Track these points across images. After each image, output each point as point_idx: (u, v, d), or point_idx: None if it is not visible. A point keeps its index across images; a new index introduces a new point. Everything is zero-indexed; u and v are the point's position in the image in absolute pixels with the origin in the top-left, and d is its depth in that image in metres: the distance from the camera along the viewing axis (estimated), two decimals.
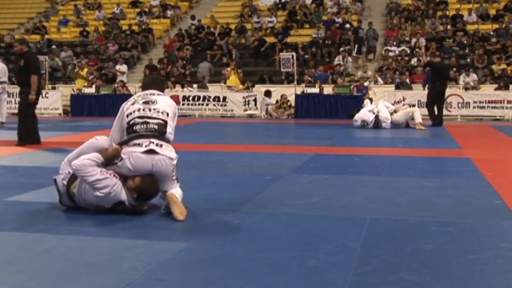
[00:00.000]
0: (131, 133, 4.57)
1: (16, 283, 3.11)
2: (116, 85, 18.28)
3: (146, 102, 4.71)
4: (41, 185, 5.88)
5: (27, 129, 9.50)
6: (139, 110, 4.65)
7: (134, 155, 4.48)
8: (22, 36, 21.84)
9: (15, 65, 10.70)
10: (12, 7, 27.88)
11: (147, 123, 4.59)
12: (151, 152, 4.49)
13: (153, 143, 4.51)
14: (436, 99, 13.38)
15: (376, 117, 12.60)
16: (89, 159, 4.43)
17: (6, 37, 24.70)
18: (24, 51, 9.62)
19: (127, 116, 4.64)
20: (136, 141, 4.52)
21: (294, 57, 17.15)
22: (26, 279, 3.18)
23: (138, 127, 4.57)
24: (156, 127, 4.60)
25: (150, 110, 4.65)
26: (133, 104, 4.72)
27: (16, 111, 15.87)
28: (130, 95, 16.82)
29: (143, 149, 4.48)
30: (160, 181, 4.57)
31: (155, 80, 5.29)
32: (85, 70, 20.15)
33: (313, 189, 5.70)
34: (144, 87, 5.06)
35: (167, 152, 4.56)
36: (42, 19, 25.97)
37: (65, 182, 4.66)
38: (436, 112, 13.44)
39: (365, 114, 12.80)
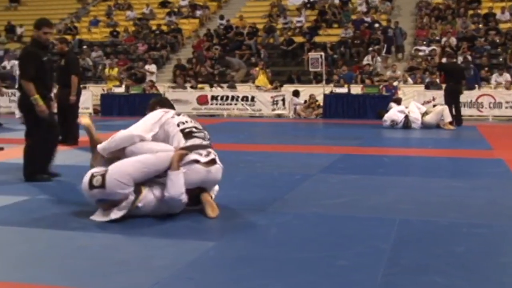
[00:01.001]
0: (190, 139, 4.61)
1: (48, 280, 3.16)
2: (145, 85, 18.44)
3: (190, 117, 4.92)
4: (73, 183, 5.97)
5: (71, 130, 9.51)
6: (191, 121, 4.78)
7: (191, 168, 4.49)
8: (55, 37, 22.15)
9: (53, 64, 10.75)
10: (45, 8, 28.29)
11: (204, 132, 4.76)
12: (211, 162, 4.59)
13: (210, 152, 4.65)
14: (452, 99, 13.16)
15: (406, 117, 12.49)
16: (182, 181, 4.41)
17: None
18: (65, 50, 9.69)
19: (178, 124, 4.66)
20: (199, 150, 4.58)
21: (323, 57, 17.08)
22: (59, 276, 3.23)
23: (198, 134, 4.68)
24: (209, 137, 4.80)
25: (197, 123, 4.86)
26: (178, 115, 4.77)
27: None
28: (159, 95, 17.13)
29: (204, 159, 4.56)
30: (205, 187, 4.67)
31: (169, 101, 5.38)
32: (116, 69, 20.35)
33: (342, 189, 5.68)
34: (162, 105, 5.03)
35: (219, 162, 4.71)
36: (73, 20, 26.32)
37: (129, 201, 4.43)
38: (454, 112, 13.24)
39: (394, 114, 12.69)
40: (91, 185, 4.37)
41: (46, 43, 6.26)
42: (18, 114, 13.93)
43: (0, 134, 11.34)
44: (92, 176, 4.40)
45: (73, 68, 9.43)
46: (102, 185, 4.32)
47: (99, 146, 4.69)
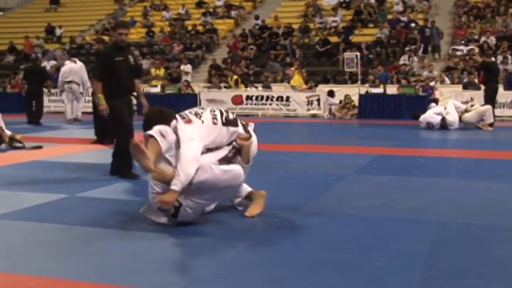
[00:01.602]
0: (237, 124, 4.55)
1: (85, 277, 3.22)
2: (180, 85, 18.58)
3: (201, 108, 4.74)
4: (110, 181, 6.07)
5: (103, 130, 9.65)
6: (215, 110, 4.56)
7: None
8: (93, 37, 22.54)
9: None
10: (83, 9, 28.79)
11: (227, 111, 4.66)
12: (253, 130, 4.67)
13: (246, 122, 4.68)
14: (492, 99, 12.95)
15: (443, 119, 12.29)
16: None
17: (78, 38, 25.54)
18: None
19: (214, 122, 4.42)
20: (246, 127, 4.61)
21: (358, 57, 16.96)
22: (95, 273, 3.28)
23: (233, 115, 4.60)
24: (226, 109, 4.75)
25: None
26: (199, 115, 4.51)
27: (86, 110, 16.51)
28: (194, 95, 17.27)
29: (250, 129, 4.62)
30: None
31: (162, 111, 4.72)
32: (162, 69, 20.38)
33: (377, 190, 5.63)
34: (160, 121, 4.47)
35: None
36: (111, 21, 26.66)
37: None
38: None
39: (430, 116, 12.49)
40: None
41: (122, 43, 6.41)
42: (69, 115, 14.37)
43: (39, 133, 11.57)
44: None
45: None
46: (175, 215, 4.19)
47: (177, 188, 4.04)
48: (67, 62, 14.61)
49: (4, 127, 9.02)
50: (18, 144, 8.90)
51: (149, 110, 4.72)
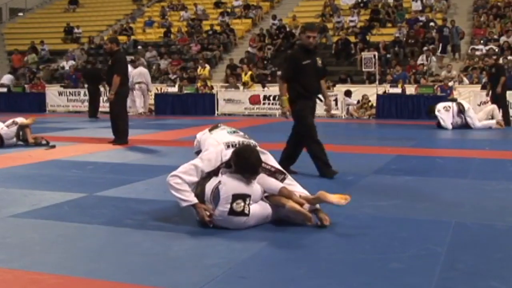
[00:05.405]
0: None
1: (101, 274, 3.24)
2: (198, 85, 18.62)
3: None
4: (127, 181, 6.10)
5: (115, 129, 9.72)
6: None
7: None
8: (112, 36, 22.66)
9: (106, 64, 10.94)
10: (101, 9, 29.00)
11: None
12: None
13: None
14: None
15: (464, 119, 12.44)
16: None
17: (96, 39, 25.71)
18: (114, 50, 9.67)
19: None
20: None
21: (376, 57, 16.88)
22: (111, 271, 3.30)
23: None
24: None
25: None
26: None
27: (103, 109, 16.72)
28: (212, 95, 17.32)
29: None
30: None
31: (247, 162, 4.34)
32: (207, 69, 20.18)
33: (395, 191, 5.60)
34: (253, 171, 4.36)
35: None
36: (129, 21, 26.85)
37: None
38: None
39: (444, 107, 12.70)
40: (232, 211, 4.09)
41: (310, 46, 6.46)
42: (140, 109, 16.09)
43: (59, 132, 11.67)
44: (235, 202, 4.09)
45: (116, 67, 9.52)
46: (247, 213, 4.14)
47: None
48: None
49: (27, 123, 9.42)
50: (43, 142, 9.37)
51: (256, 154, 4.35)
